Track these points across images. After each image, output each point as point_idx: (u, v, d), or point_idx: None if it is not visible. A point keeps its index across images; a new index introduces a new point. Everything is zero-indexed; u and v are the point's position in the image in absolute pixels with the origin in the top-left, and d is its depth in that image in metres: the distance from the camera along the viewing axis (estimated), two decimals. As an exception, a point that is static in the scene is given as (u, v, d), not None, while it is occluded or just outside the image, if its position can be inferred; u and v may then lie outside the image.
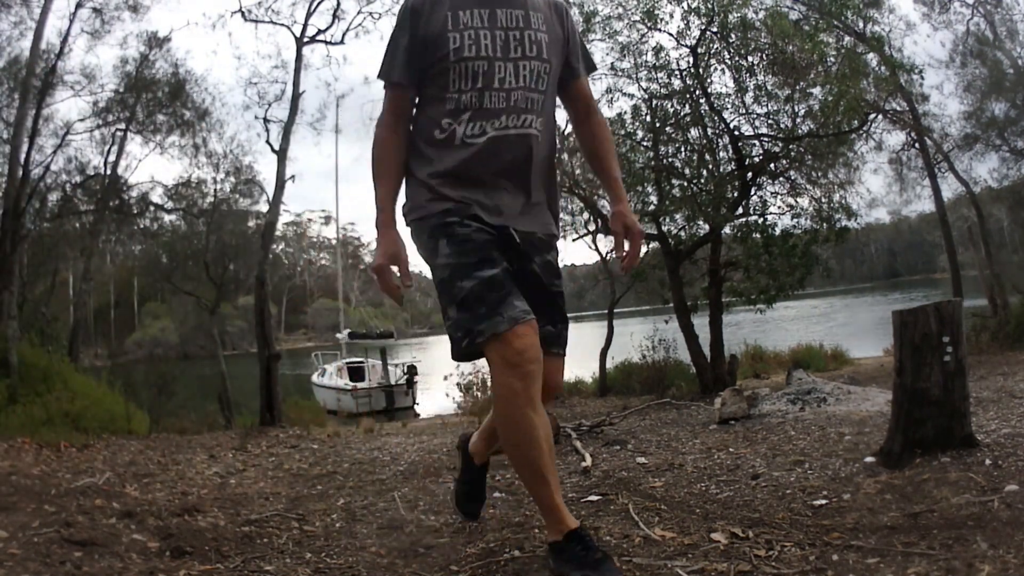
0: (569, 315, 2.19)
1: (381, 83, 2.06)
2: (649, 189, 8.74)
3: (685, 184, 8.50)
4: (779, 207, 8.56)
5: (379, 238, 2.01)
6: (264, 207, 11.01)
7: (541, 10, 2.03)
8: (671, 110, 8.49)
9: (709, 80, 8.10)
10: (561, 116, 3.58)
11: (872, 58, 9.04)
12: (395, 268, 1.98)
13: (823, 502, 2.62)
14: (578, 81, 2.17)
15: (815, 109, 7.74)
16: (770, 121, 8.18)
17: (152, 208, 11.39)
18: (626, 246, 2.09)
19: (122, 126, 10.60)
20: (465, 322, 1.85)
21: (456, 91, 1.94)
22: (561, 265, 2.18)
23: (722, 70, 8.27)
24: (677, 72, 8.29)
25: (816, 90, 7.67)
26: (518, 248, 1.99)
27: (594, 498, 2.99)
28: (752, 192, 8.41)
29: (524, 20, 1.97)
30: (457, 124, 1.95)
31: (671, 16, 8.05)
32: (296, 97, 10.30)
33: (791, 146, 8.04)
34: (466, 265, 1.87)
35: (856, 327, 22.96)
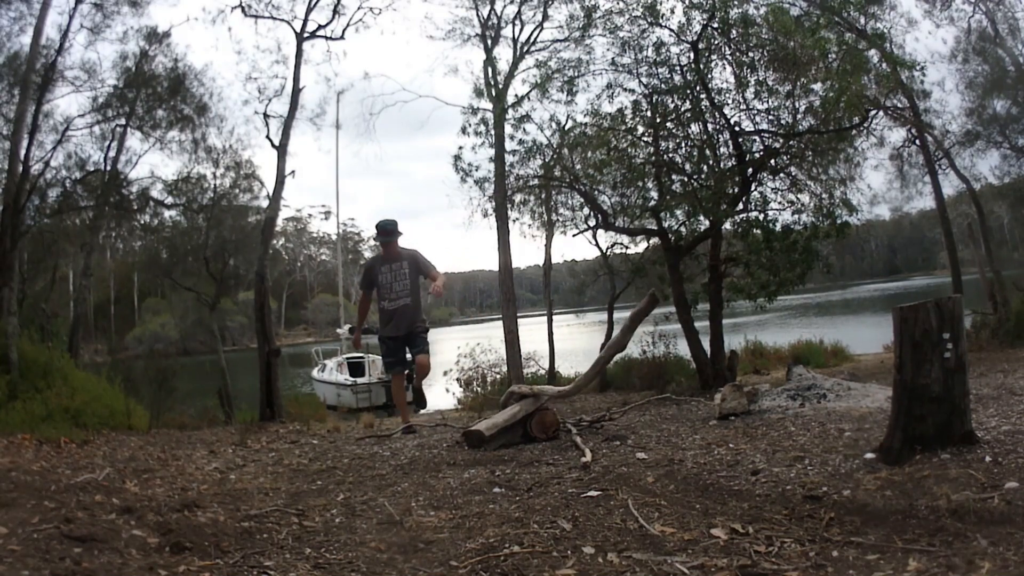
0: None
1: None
2: (649, 184, 8.72)
3: (685, 180, 8.48)
4: (780, 203, 8.55)
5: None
6: (264, 202, 10.99)
7: (406, 259, 5.91)
8: (672, 106, 8.45)
9: (710, 76, 8.06)
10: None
11: (873, 54, 9.00)
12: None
13: (823, 498, 2.62)
14: (432, 275, 5.84)
15: (816, 105, 7.70)
16: (771, 117, 8.14)
17: (152, 204, 11.34)
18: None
19: (122, 121, 10.55)
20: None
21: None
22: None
23: (723, 66, 8.24)
24: (678, 67, 8.26)
25: (817, 86, 7.64)
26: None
27: (594, 493, 2.99)
28: (753, 188, 8.39)
29: (398, 266, 5.91)
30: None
31: (672, 11, 8.03)
32: (296, 92, 10.26)
33: (792, 142, 8.01)
34: None
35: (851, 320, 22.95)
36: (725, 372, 8.28)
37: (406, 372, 6.06)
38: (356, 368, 18.84)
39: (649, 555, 2.17)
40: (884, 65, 8.86)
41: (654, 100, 8.42)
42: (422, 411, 8.47)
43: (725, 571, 2.00)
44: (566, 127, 9.26)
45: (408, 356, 5.96)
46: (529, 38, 12.92)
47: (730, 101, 8.24)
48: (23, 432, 5.57)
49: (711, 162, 8.45)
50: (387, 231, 5.98)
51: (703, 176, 8.37)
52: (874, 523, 2.28)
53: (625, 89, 8.59)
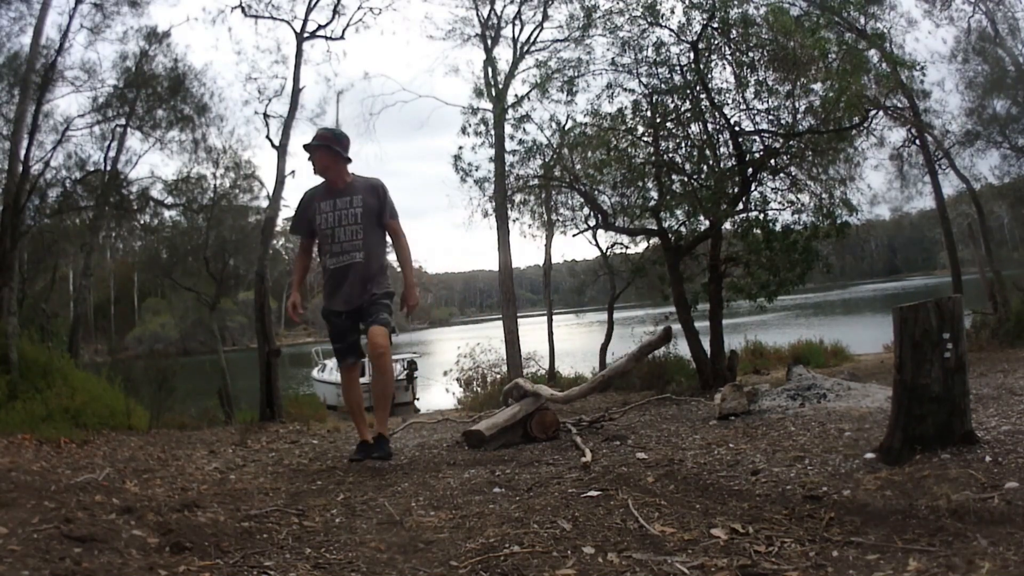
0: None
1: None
2: (649, 184, 8.71)
3: (685, 180, 8.48)
4: (780, 203, 8.55)
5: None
6: (264, 202, 11.01)
7: (360, 191, 3.98)
8: (672, 105, 8.45)
9: (710, 76, 8.05)
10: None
11: (873, 54, 9.00)
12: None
13: (823, 498, 2.62)
14: (388, 223, 4.07)
15: (816, 105, 7.70)
16: (771, 117, 8.14)
17: (152, 204, 11.36)
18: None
19: (122, 122, 10.56)
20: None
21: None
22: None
23: (723, 66, 8.23)
24: (678, 67, 8.26)
25: (817, 86, 7.63)
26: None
27: (594, 493, 2.99)
28: (752, 188, 8.38)
29: (345, 202, 3.98)
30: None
31: (672, 11, 8.03)
32: (296, 92, 10.29)
33: (792, 142, 8.01)
34: None
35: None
36: (725, 372, 8.27)
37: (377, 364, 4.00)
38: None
39: (649, 555, 2.17)
40: (884, 65, 8.86)
41: (654, 100, 8.42)
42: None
43: (725, 571, 2.00)
44: (566, 127, 9.28)
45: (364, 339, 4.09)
46: (529, 38, 12.98)
47: (730, 101, 8.24)
48: (23, 432, 5.57)
49: (711, 162, 8.44)
50: (321, 136, 4.04)
51: (703, 176, 8.36)
52: (874, 523, 2.28)
53: (625, 89, 8.59)
